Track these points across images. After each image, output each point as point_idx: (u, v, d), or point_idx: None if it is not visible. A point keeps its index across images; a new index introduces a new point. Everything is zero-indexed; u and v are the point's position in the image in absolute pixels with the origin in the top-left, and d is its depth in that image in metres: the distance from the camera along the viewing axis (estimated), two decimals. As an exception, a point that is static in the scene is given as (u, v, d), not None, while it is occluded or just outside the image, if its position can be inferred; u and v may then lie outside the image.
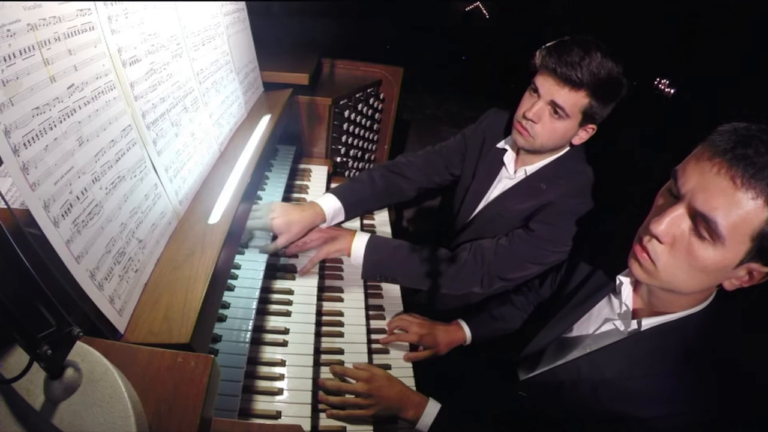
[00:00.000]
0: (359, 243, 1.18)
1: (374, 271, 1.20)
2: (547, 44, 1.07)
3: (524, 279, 1.21)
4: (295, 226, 1.15)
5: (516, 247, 1.16)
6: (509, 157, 1.25)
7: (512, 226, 1.21)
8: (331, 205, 1.23)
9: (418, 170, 1.41)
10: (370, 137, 1.91)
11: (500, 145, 1.28)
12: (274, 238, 1.15)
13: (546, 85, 1.05)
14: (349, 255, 1.19)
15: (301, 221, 1.16)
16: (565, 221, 1.11)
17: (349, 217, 1.28)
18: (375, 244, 1.18)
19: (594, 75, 0.99)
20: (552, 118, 1.07)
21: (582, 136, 1.12)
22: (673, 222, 0.66)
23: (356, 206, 1.31)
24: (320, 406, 0.95)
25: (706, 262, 0.65)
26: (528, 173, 1.21)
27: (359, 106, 1.74)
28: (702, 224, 0.63)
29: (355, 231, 1.22)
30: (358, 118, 1.76)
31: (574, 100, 1.03)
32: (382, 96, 1.87)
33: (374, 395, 0.94)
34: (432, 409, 0.95)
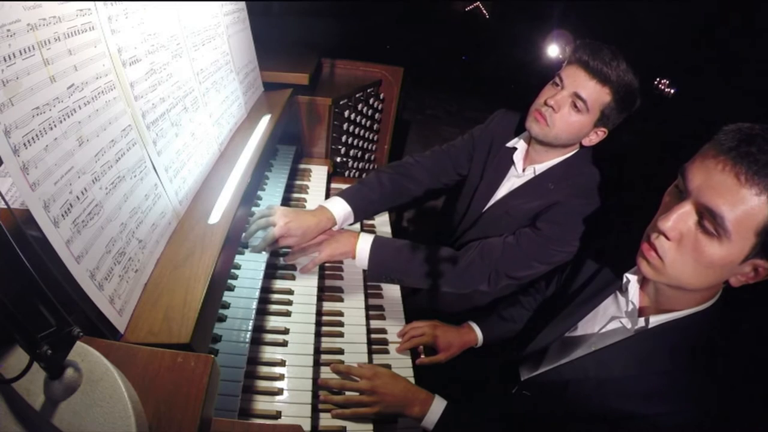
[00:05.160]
0: (363, 245, 1.16)
1: (380, 273, 1.19)
2: (578, 41, 1.09)
3: (530, 278, 1.21)
4: (311, 232, 1.14)
5: (523, 245, 1.16)
6: (518, 156, 1.25)
7: (519, 225, 1.21)
8: (341, 210, 1.22)
9: (426, 171, 1.40)
10: (370, 137, 1.91)
11: (510, 144, 1.28)
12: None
13: (573, 76, 1.07)
14: (353, 258, 1.18)
15: (317, 226, 1.15)
16: (571, 221, 1.11)
17: (358, 220, 1.27)
18: (379, 246, 1.18)
19: (620, 77, 1.04)
20: (571, 110, 1.09)
21: (592, 139, 1.13)
22: (680, 218, 0.68)
23: (365, 209, 1.30)
24: (321, 406, 0.94)
25: (712, 257, 0.66)
26: (537, 172, 1.21)
27: (359, 106, 1.74)
28: (708, 219, 0.65)
29: (359, 233, 1.20)
30: (358, 118, 1.76)
31: (598, 95, 1.06)
32: (382, 96, 1.86)
33: (378, 392, 0.94)
34: (438, 406, 0.95)
